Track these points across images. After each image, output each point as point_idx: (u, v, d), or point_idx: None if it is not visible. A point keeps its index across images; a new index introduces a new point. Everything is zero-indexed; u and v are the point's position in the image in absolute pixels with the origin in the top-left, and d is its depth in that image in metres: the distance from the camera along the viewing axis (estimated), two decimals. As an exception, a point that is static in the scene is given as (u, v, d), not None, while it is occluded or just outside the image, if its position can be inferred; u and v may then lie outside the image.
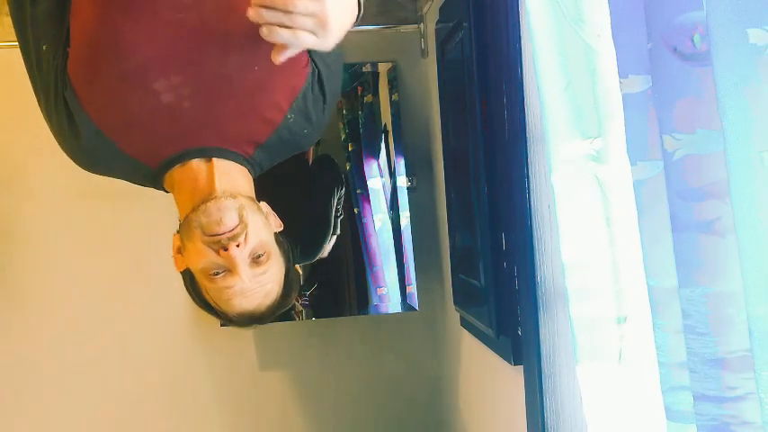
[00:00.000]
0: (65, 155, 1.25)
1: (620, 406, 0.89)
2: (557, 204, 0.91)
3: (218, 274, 1.12)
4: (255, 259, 1.12)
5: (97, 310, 2.34)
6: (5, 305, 2.31)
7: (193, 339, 2.38)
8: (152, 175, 1.21)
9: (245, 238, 1.10)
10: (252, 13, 0.95)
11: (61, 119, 1.17)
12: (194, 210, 1.11)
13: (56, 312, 2.33)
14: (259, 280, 1.13)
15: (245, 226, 1.10)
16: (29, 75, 1.21)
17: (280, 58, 0.99)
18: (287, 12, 0.94)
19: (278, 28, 0.95)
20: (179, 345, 2.38)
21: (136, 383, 2.35)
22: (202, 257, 1.11)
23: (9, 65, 1.97)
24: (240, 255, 1.10)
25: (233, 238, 1.09)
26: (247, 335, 2.41)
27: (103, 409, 2.34)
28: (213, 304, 1.17)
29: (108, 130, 1.16)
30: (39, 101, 1.21)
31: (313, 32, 0.96)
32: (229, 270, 1.11)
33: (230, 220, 1.09)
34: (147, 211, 2.21)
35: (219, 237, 1.09)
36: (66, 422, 2.33)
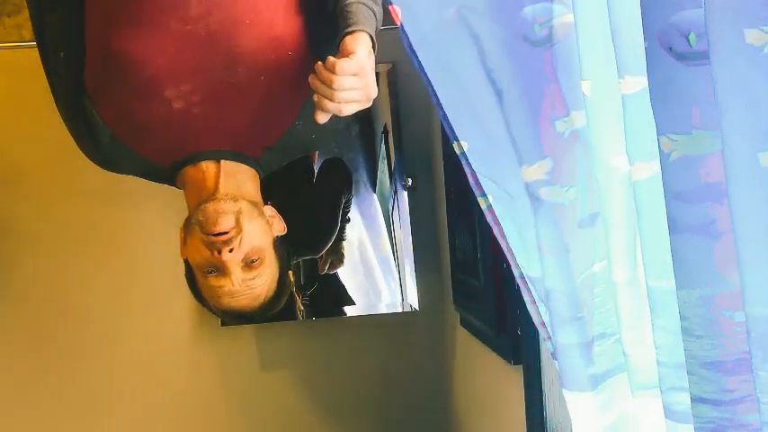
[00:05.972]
0: (67, 156, 1.29)
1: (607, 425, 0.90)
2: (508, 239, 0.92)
3: (211, 272, 1.17)
4: (249, 264, 1.17)
5: (98, 310, 2.34)
6: (6, 305, 2.31)
7: (193, 339, 2.39)
8: (166, 174, 1.27)
9: (240, 244, 1.14)
10: (310, 80, 1.04)
11: (79, 122, 1.23)
12: (196, 207, 1.16)
13: (57, 312, 2.33)
14: (249, 284, 1.18)
15: (240, 231, 1.15)
16: (47, 76, 1.26)
17: (321, 120, 1.06)
18: (332, 89, 1.01)
19: (325, 100, 1.03)
20: (179, 344, 2.38)
21: (135, 383, 2.35)
22: (198, 254, 1.17)
23: (9, 65, 2.03)
24: (232, 259, 1.14)
25: (227, 243, 1.13)
26: (247, 335, 2.41)
27: (102, 408, 2.34)
28: (204, 298, 1.23)
29: (123, 136, 1.23)
30: (56, 102, 1.26)
31: (357, 101, 1.04)
32: (221, 271, 1.16)
33: (226, 223, 1.14)
34: (150, 213, 2.21)
35: (215, 239, 1.13)
36: (66, 421, 2.33)
